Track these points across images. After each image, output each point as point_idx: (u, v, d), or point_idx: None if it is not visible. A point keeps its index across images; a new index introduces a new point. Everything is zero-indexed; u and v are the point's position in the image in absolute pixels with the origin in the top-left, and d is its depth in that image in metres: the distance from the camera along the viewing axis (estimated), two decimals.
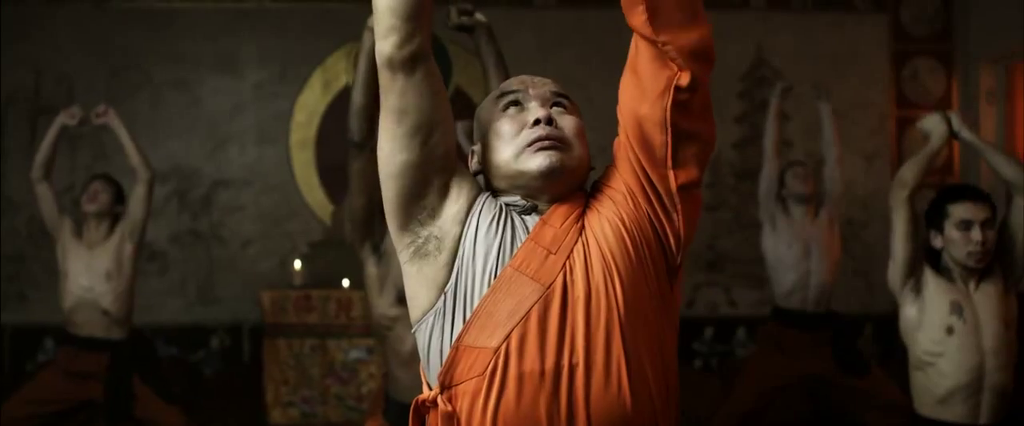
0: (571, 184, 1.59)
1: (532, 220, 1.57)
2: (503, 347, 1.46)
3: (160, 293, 5.75)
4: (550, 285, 1.49)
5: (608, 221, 1.54)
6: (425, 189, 1.55)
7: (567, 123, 1.60)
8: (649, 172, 1.52)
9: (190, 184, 5.89)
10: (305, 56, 5.92)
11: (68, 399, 4.31)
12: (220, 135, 5.91)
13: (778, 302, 4.66)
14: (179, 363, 5.73)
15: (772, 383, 4.49)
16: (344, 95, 5.93)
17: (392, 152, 1.55)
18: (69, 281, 4.36)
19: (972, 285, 3.08)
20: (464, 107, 5.97)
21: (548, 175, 1.55)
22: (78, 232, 4.38)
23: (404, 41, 1.53)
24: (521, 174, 1.56)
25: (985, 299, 3.07)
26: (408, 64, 1.54)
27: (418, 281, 1.56)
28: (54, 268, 4.55)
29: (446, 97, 1.62)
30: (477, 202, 1.58)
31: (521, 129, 1.58)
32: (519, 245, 1.54)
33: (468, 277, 1.52)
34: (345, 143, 3.02)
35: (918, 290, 3.15)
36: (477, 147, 1.66)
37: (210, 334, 5.86)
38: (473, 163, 1.66)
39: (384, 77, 1.55)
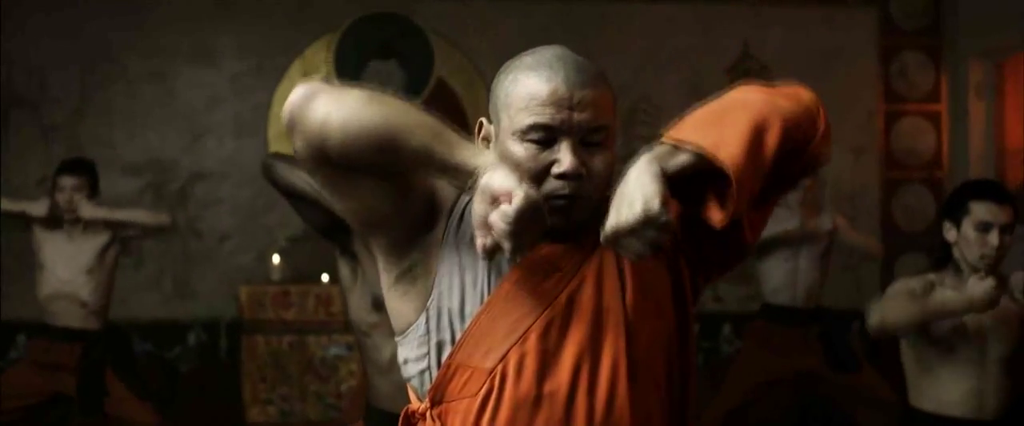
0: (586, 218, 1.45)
1: None
2: (499, 368, 1.35)
3: (136, 287, 5.63)
4: (552, 303, 1.37)
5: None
6: (405, 224, 1.43)
7: (597, 164, 1.39)
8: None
9: (166, 177, 5.78)
10: (284, 47, 5.82)
11: (39, 392, 4.23)
12: (197, 127, 5.81)
13: (767, 298, 4.60)
14: (155, 359, 5.64)
15: (761, 379, 4.43)
16: None
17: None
18: (46, 272, 4.27)
19: None
20: (448, 100, 5.89)
21: (562, 228, 1.41)
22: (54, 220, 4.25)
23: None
24: None
25: (995, 309, 2.98)
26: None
27: (402, 301, 1.45)
28: (28, 262, 4.45)
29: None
30: (455, 212, 1.45)
31: (543, 173, 1.38)
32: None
33: (453, 293, 1.40)
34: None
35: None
36: (489, 128, 1.47)
37: (186, 330, 5.76)
38: (479, 142, 1.48)
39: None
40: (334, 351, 5.29)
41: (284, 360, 5.29)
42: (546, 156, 1.37)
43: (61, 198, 4.21)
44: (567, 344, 1.36)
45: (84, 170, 4.28)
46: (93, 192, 4.28)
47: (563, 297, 1.38)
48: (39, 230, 4.29)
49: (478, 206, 1.28)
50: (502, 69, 1.46)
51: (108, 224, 4.28)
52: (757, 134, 1.33)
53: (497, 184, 1.27)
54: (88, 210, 4.21)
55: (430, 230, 1.44)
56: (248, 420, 5.26)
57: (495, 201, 1.27)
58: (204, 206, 5.81)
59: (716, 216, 1.36)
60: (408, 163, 1.34)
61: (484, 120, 1.48)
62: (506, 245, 1.26)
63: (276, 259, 5.56)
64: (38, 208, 4.22)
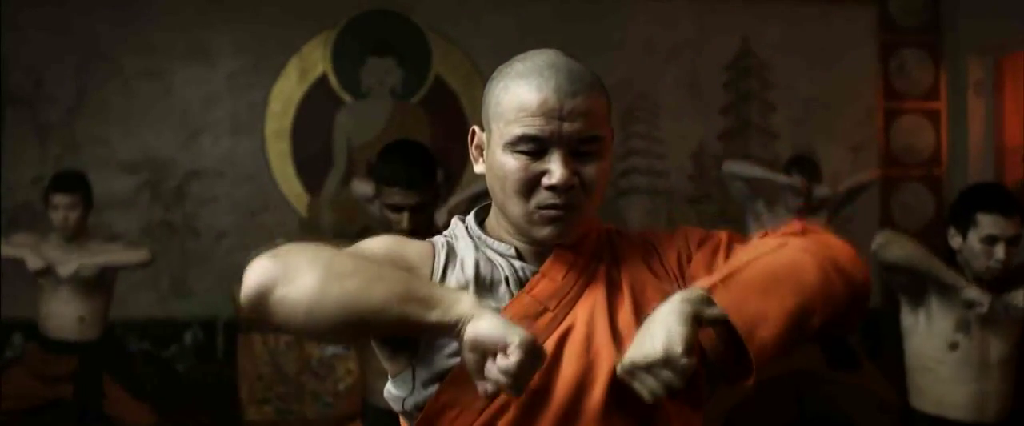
0: (579, 233, 1.41)
1: (529, 267, 1.40)
2: (488, 409, 1.31)
3: (132, 287, 5.57)
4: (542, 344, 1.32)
5: (645, 292, 1.38)
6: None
7: (590, 174, 1.34)
8: None
9: (163, 175, 5.75)
10: (280, 44, 5.79)
11: (38, 397, 4.22)
12: (193, 125, 5.78)
13: None
14: (151, 359, 5.60)
15: (761, 377, 4.41)
16: (321, 84, 5.82)
17: None
18: (45, 293, 4.26)
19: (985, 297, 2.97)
20: (445, 98, 5.87)
21: (554, 242, 1.38)
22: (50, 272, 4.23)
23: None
24: (525, 235, 1.39)
25: (998, 312, 2.96)
26: None
27: (395, 362, 1.42)
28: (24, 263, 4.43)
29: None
30: (436, 265, 1.40)
31: (533, 184, 1.34)
32: (502, 292, 1.38)
33: (442, 348, 1.35)
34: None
35: (919, 300, 3.04)
36: (482, 136, 1.42)
37: (183, 329, 5.73)
38: (473, 150, 1.44)
39: None
40: (331, 350, 5.25)
41: (281, 359, 5.26)
42: (536, 167, 1.33)
43: (55, 217, 4.18)
44: (557, 386, 1.32)
45: (76, 186, 4.23)
46: (87, 207, 4.25)
47: (553, 339, 1.33)
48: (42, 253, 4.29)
49: (470, 358, 1.24)
50: (494, 75, 1.41)
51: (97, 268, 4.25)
52: (798, 320, 1.31)
53: (486, 336, 1.21)
54: (65, 269, 4.17)
55: None
56: (245, 419, 5.23)
57: (488, 352, 1.22)
58: (201, 204, 5.78)
59: (734, 377, 1.34)
60: (384, 334, 1.33)
61: (476, 128, 1.44)
62: (510, 393, 1.23)
63: None
64: (34, 261, 4.19)
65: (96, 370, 4.21)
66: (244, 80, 5.80)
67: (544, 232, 1.36)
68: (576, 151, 1.34)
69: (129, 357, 4.57)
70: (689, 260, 1.44)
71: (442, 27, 5.86)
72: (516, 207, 1.36)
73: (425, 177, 2.63)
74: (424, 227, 2.65)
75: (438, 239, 1.44)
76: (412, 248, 1.41)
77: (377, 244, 1.40)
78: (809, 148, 5.95)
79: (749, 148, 6.03)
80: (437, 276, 1.39)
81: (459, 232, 1.46)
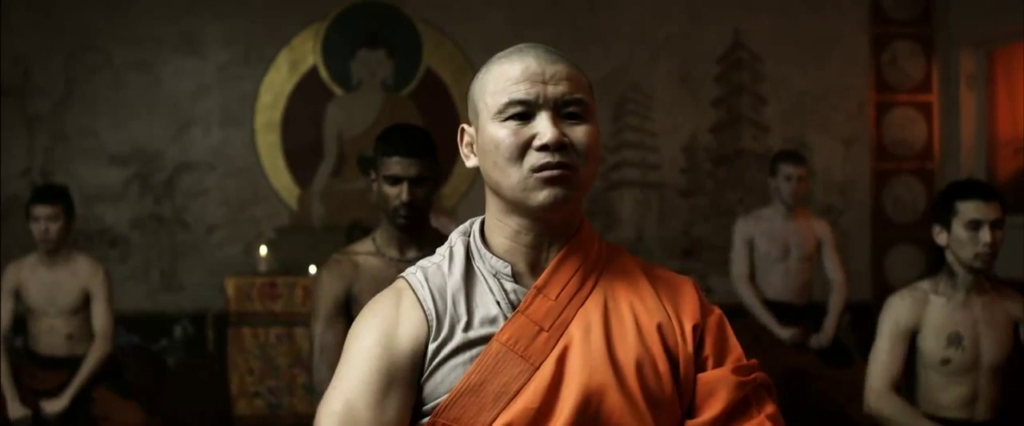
0: (578, 203, 1.43)
1: (520, 290, 1.40)
2: None
3: (121, 280, 5.55)
4: (540, 365, 1.34)
5: (639, 317, 1.40)
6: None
7: (579, 136, 1.37)
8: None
9: (152, 168, 5.73)
10: (270, 36, 5.76)
11: (27, 404, 4.20)
12: (183, 117, 5.75)
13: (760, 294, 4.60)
14: (141, 352, 5.58)
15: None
16: (311, 76, 5.80)
17: None
18: (36, 313, 4.23)
19: (977, 301, 2.97)
20: (436, 90, 5.85)
21: (554, 208, 1.37)
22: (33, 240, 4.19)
23: None
24: (525, 205, 1.38)
25: (990, 317, 2.95)
26: None
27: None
28: (15, 256, 4.40)
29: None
30: (432, 327, 1.39)
31: (525, 149, 1.35)
32: (495, 315, 1.37)
33: (437, 368, 1.36)
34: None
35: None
36: (471, 131, 1.45)
37: (173, 322, 5.71)
38: (463, 148, 1.46)
39: None
40: None
41: (272, 352, 5.25)
42: (526, 131, 1.36)
43: (36, 229, 4.13)
44: (559, 404, 1.33)
45: (57, 198, 4.17)
46: (69, 218, 4.20)
47: (552, 358, 1.35)
48: (26, 277, 4.25)
49: None
50: (476, 75, 1.45)
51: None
52: None
53: None
54: (53, 407, 4.14)
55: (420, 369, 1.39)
56: (236, 413, 5.21)
57: None
58: (191, 197, 5.76)
59: None
60: None
61: (465, 125, 1.47)
62: None
63: (263, 250, 5.51)
64: (15, 410, 4.15)
65: (87, 384, 4.19)
66: (234, 72, 5.77)
67: (541, 195, 1.35)
68: (563, 114, 1.37)
69: (118, 357, 4.52)
70: (705, 356, 1.44)
71: (433, 19, 5.84)
72: (511, 176, 1.36)
73: (425, 148, 2.58)
74: (423, 205, 2.61)
75: (416, 279, 1.43)
76: (403, 330, 1.39)
77: (367, 344, 1.38)
78: (801, 141, 5.96)
79: (741, 141, 6.03)
80: (434, 332, 1.38)
81: (457, 252, 1.45)
